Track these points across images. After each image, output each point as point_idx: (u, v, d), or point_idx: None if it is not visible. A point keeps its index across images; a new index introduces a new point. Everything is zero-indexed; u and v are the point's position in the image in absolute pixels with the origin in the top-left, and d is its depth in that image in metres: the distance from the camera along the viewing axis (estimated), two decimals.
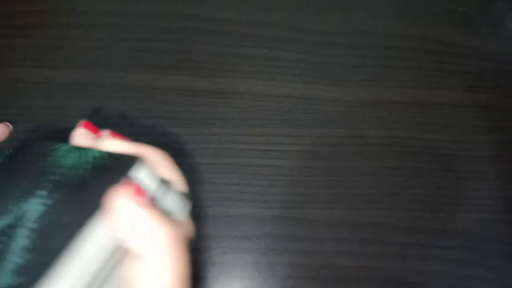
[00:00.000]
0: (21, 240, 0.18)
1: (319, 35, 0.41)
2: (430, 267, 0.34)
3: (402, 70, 0.41)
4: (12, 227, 0.18)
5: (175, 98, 0.38)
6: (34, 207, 0.18)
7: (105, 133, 0.24)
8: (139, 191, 0.20)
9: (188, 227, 0.23)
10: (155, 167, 0.22)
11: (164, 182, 0.21)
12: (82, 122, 0.24)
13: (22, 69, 0.37)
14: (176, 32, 0.40)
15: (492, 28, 0.43)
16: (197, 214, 0.26)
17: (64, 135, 0.35)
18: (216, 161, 0.36)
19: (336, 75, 0.40)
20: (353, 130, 0.38)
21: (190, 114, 0.37)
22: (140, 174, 0.20)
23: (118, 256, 0.19)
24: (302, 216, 0.35)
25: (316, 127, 0.38)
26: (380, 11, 0.43)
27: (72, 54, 0.38)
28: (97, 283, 0.18)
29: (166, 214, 0.20)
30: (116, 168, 0.20)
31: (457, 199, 0.36)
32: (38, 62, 0.38)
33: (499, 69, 0.42)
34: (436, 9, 0.44)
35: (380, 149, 0.37)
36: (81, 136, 0.23)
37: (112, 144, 0.22)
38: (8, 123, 0.29)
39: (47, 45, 0.39)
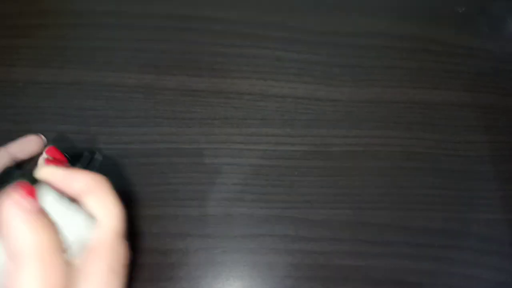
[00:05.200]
0: None
1: (319, 35, 0.41)
2: (430, 267, 0.34)
3: (402, 70, 0.41)
4: None
5: (175, 98, 0.38)
6: None
7: (42, 159, 0.24)
8: (29, 191, 0.20)
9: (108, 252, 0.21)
10: (81, 193, 0.21)
11: (71, 210, 0.21)
12: (48, 147, 0.25)
13: (22, 69, 0.37)
14: (176, 32, 0.40)
15: (492, 28, 0.43)
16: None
17: (63, 136, 0.35)
18: (216, 161, 0.36)
19: (336, 75, 0.40)
20: (353, 130, 0.38)
21: (190, 114, 0.37)
22: (43, 196, 0.21)
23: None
24: (302, 216, 0.35)
25: (316, 127, 0.38)
26: (380, 11, 0.43)
27: (72, 54, 0.38)
28: None
29: (69, 242, 0.20)
30: None
31: (457, 199, 0.36)
32: (38, 62, 0.38)
33: (499, 69, 0.42)
34: (436, 9, 0.44)
35: (380, 149, 0.37)
36: (40, 161, 0.24)
37: (45, 170, 0.22)
38: (42, 136, 0.28)
39: (47, 45, 0.39)
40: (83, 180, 0.22)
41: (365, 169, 0.37)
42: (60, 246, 0.20)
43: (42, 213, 0.20)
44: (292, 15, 0.42)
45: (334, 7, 0.43)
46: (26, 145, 0.27)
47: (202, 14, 0.41)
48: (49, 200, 0.21)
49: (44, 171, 0.22)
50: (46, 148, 0.25)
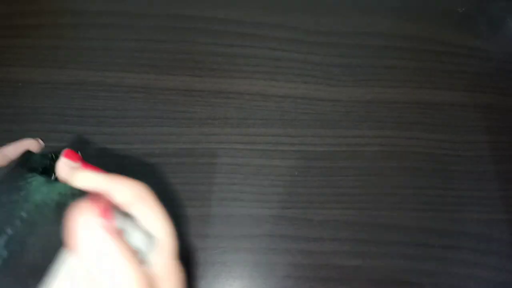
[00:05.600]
0: None
1: (319, 35, 0.41)
2: (430, 267, 0.34)
3: (402, 70, 0.41)
4: None
5: (175, 98, 0.38)
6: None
7: (77, 164, 0.22)
8: (107, 211, 0.18)
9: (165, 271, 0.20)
10: (127, 203, 0.20)
11: (130, 219, 0.20)
12: (64, 151, 0.22)
13: (22, 69, 0.37)
14: (176, 32, 0.40)
15: (492, 28, 0.43)
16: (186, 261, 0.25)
17: (63, 135, 0.35)
18: (216, 161, 0.36)
19: (336, 75, 0.40)
20: (353, 130, 0.38)
21: (190, 114, 0.37)
22: None
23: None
24: (302, 216, 0.35)
25: (316, 127, 0.38)
26: (380, 11, 0.43)
27: (72, 54, 0.38)
28: None
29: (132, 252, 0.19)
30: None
31: (457, 199, 0.36)
32: (38, 62, 0.38)
33: (499, 69, 0.42)
34: (436, 9, 0.44)
35: (380, 149, 0.37)
36: (63, 166, 0.21)
37: (84, 177, 0.20)
38: (39, 140, 0.27)
39: (47, 45, 0.39)
40: (129, 189, 0.20)
41: (365, 169, 0.37)
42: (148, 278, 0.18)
43: (120, 235, 0.18)
44: (292, 15, 0.42)
45: (334, 7, 0.43)
46: (22, 148, 0.25)
47: (202, 14, 0.41)
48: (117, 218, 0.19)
49: (85, 178, 0.20)
50: (64, 151, 0.22)
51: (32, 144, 0.27)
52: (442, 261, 0.34)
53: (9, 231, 0.18)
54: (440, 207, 0.36)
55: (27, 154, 0.23)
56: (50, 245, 0.18)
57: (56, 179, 0.21)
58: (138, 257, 0.19)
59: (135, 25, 0.40)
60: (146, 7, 0.41)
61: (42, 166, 0.22)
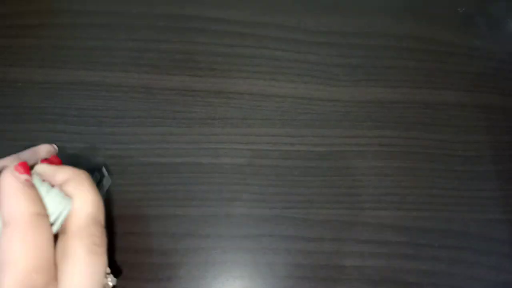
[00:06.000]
0: None
1: (319, 35, 0.41)
2: (430, 267, 0.34)
3: (402, 70, 0.41)
4: None
5: (175, 98, 0.38)
6: None
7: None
8: (25, 168, 0.23)
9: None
10: (63, 182, 0.24)
11: (53, 192, 0.23)
12: (52, 156, 0.27)
13: (21, 69, 0.37)
14: (176, 32, 0.40)
15: (492, 28, 0.43)
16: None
17: (63, 135, 0.35)
18: (216, 161, 0.36)
19: (336, 75, 0.40)
20: (353, 130, 0.38)
21: (190, 114, 0.37)
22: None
23: None
24: (302, 216, 0.35)
25: (316, 127, 0.38)
26: (380, 11, 0.43)
27: (72, 54, 0.38)
28: None
29: (53, 218, 0.22)
30: None
31: (457, 199, 0.36)
32: (38, 62, 0.38)
33: (499, 69, 0.42)
34: (436, 9, 0.44)
35: (380, 149, 0.37)
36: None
37: (39, 167, 0.25)
38: (54, 145, 0.31)
39: (47, 45, 0.39)
40: (65, 172, 0.24)
41: (365, 169, 0.37)
42: (48, 217, 0.22)
43: (34, 187, 0.22)
44: (292, 15, 0.42)
45: (334, 7, 0.43)
46: (38, 154, 0.28)
47: (202, 14, 0.41)
48: (35, 181, 0.23)
49: (38, 166, 0.25)
50: (51, 156, 0.27)
51: (47, 150, 0.28)
52: (442, 261, 0.34)
53: None
54: (440, 207, 0.36)
55: None
56: None
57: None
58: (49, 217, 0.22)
59: (135, 25, 0.40)
60: (146, 7, 0.41)
61: None
